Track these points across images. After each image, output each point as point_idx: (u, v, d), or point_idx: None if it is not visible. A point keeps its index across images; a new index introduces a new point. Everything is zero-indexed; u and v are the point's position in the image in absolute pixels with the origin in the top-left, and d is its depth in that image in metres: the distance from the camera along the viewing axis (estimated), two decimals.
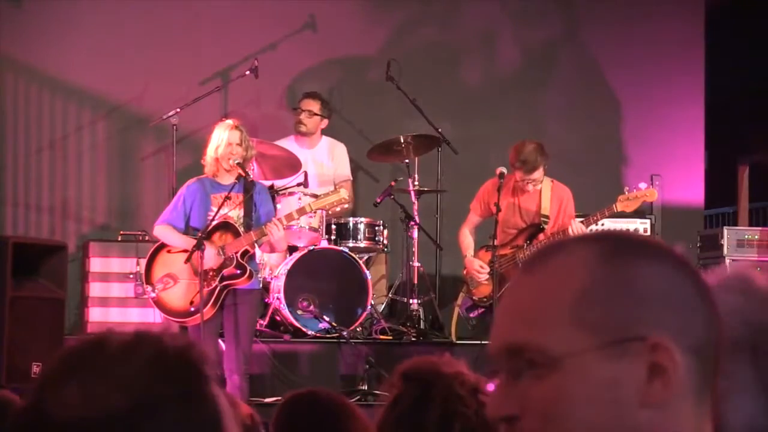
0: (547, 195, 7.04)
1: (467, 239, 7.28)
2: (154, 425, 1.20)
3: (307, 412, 2.91)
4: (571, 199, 7.09)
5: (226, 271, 6.76)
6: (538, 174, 6.91)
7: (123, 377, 1.20)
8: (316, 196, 7.50)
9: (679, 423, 1.24)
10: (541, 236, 6.98)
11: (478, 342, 7.41)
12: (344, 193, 7.14)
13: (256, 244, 6.93)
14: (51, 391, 1.20)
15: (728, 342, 1.34)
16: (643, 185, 7.07)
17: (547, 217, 7.00)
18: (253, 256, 6.97)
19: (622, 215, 8.53)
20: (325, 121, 8.65)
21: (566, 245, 1.30)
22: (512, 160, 6.95)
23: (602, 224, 8.34)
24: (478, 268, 7.07)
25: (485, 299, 7.11)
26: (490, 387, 1.31)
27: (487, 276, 7.07)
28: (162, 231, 6.91)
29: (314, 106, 8.59)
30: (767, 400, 1.41)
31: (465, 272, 7.30)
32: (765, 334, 1.43)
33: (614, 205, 6.97)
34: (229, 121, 7.07)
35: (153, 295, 6.84)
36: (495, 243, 6.90)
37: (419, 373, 2.29)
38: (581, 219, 6.96)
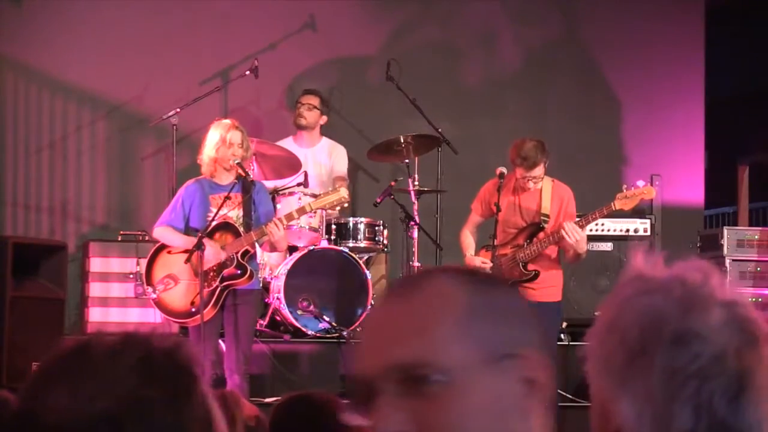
0: (547, 194, 7.03)
1: (468, 239, 7.27)
2: (142, 427, 1.21)
3: (303, 413, 2.90)
4: (572, 199, 7.08)
5: (226, 272, 6.75)
6: (539, 171, 6.90)
7: (110, 379, 1.21)
8: (315, 196, 7.49)
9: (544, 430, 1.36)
10: (541, 235, 6.97)
11: None
12: (344, 192, 7.13)
13: (256, 244, 6.92)
14: (41, 394, 1.21)
15: (635, 346, 1.39)
16: (641, 183, 7.05)
17: (547, 216, 6.99)
18: (253, 256, 6.96)
19: (622, 215, 8.54)
20: (324, 118, 8.66)
21: (434, 274, 1.38)
22: (513, 157, 6.94)
23: (602, 224, 8.35)
24: (480, 265, 7.07)
25: None
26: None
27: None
28: (162, 232, 6.90)
29: (314, 100, 8.61)
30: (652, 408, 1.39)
31: None
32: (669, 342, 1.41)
33: (612, 204, 6.95)
34: (228, 121, 7.03)
35: (154, 296, 6.83)
36: (495, 242, 6.89)
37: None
38: (579, 219, 6.94)
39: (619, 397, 1.40)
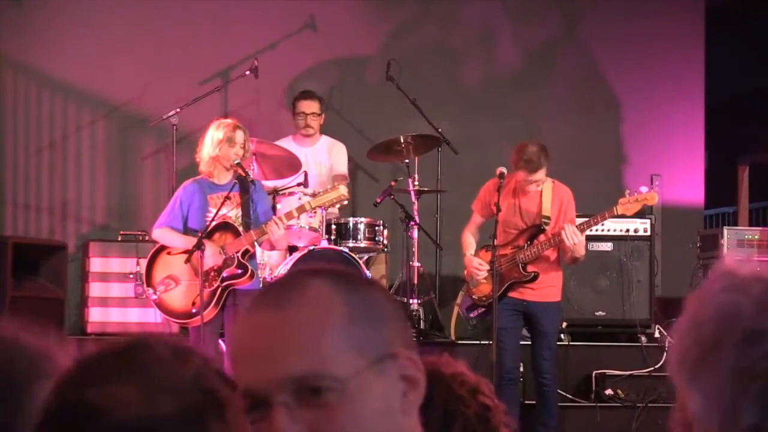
0: (548, 196, 7.02)
1: (468, 239, 7.27)
2: None
3: None
4: (572, 200, 7.07)
5: (227, 271, 6.75)
6: (541, 175, 6.90)
7: (175, 384, 1.23)
8: (315, 195, 7.48)
9: (418, 425, 1.43)
10: (542, 237, 6.96)
11: (478, 342, 7.41)
12: (343, 190, 7.11)
13: (256, 243, 6.92)
14: (102, 389, 1.20)
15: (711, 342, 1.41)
16: (644, 189, 7.04)
17: (548, 218, 6.99)
18: (253, 256, 6.96)
19: (623, 215, 8.53)
20: (323, 117, 8.67)
21: (307, 280, 1.41)
22: (515, 160, 6.93)
23: (602, 224, 8.34)
24: (477, 265, 7.05)
25: (484, 298, 7.10)
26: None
27: (486, 274, 7.06)
28: (161, 234, 6.89)
29: (314, 106, 8.57)
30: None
31: (466, 272, 7.31)
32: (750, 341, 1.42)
33: (615, 208, 6.95)
34: (230, 120, 7.03)
35: (154, 297, 6.83)
36: (495, 243, 6.88)
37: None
38: (581, 223, 6.92)
39: (691, 391, 1.43)
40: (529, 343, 7.08)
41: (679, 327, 1.48)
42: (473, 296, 7.18)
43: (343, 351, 1.35)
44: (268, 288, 1.45)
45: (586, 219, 6.96)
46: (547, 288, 6.99)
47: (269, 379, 1.33)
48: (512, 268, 6.94)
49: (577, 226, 6.84)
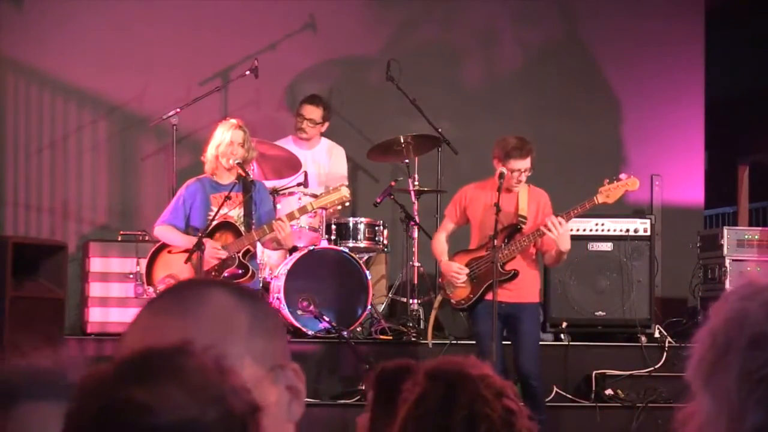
0: (524, 197, 6.92)
1: (441, 245, 7.11)
2: None
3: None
4: (548, 202, 6.97)
5: (228, 271, 6.76)
6: (529, 162, 6.79)
7: (218, 391, 1.24)
8: (315, 196, 7.49)
9: None
10: (518, 236, 6.87)
11: (474, 343, 7.41)
12: (345, 191, 7.12)
13: (258, 243, 6.93)
14: (150, 389, 1.20)
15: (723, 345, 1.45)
16: (623, 175, 6.99)
17: (524, 217, 6.89)
18: (254, 256, 6.96)
19: (623, 215, 8.54)
20: (326, 125, 8.64)
21: (209, 290, 1.45)
22: (501, 153, 6.76)
23: (602, 224, 8.34)
24: (457, 270, 6.96)
25: (463, 301, 7.01)
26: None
27: (465, 278, 6.96)
28: (162, 231, 6.90)
29: (316, 113, 8.51)
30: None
31: (440, 279, 7.20)
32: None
33: (595, 198, 6.84)
34: (233, 120, 7.07)
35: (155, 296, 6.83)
36: (495, 243, 6.78)
37: (445, 373, 2.30)
38: (561, 214, 6.79)
39: (702, 394, 1.46)
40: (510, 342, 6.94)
41: (699, 334, 1.52)
42: (452, 300, 7.08)
43: (246, 362, 1.40)
44: (170, 294, 1.47)
45: (566, 211, 6.81)
46: (525, 288, 6.86)
47: None
48: (491, 268, 6.80)
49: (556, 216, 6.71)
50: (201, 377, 1.23)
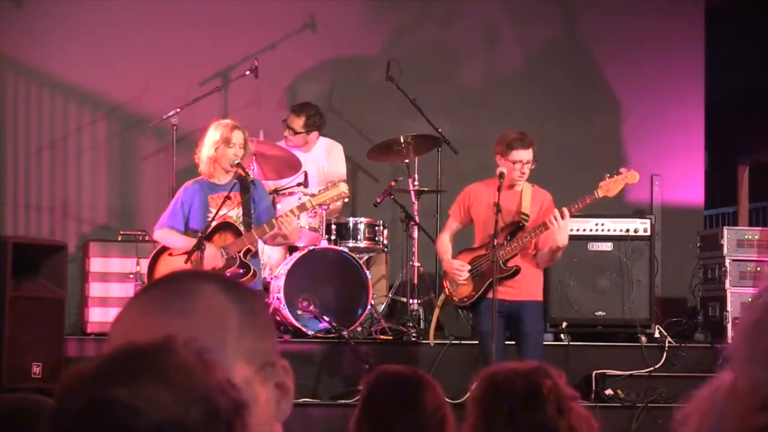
0: (527, 195, 6.91)
1: (445, 245, 7.10)
2: None
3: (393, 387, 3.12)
4: (552, 204, 6.96)
5: (229, 271, 6.75)
6: (532, 153, 6.78)
7: (203, 390, 1.22)
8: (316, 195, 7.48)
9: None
10: (520, 234, 6.86)
11: (475, 342, 7.41)
12: (344, 187, 7.10)
13: (259, 242, 6.92)
14: (133, 389, 1.19)
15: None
16: (623, 169, 6.98)
17: (527, 215, 6.88)
18: (255, 255, 6.96)
19: (623, 215, 8.54)
20: (314, 133, 8.50)
21: (201, 285, 1.42)
22: (504, 147, 6.76)
23: (602, 224, 8.34)
24: (459, 266, 6.96)
25: (465, 299, 7.01)
26: None
27: (468, 275, 6.96)
28: (163, 235, 6.90)
29: (297, 123, 8.42)
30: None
31: (444, 278, 7.18)
32: None
33: (595, 192, 6.84)
34: (228, 121, 7.04)
35: None
36: (496, 242, 6.79)
37: (527, 372, 2.44)
38: (562, 208, 6.77)
39: (746, 366, 1.58)
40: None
41: (737, 330, 1.64)
42: (454, 298, 7.08)
43: (238, 360, 1.38)
44: (159, 288, 1.43)
45: (567, 207, 6.79)
46: (527, 286, 6.85)
47: None
48: (493, 266, 6.80)
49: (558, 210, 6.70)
50: (185, 375, 1.20)
